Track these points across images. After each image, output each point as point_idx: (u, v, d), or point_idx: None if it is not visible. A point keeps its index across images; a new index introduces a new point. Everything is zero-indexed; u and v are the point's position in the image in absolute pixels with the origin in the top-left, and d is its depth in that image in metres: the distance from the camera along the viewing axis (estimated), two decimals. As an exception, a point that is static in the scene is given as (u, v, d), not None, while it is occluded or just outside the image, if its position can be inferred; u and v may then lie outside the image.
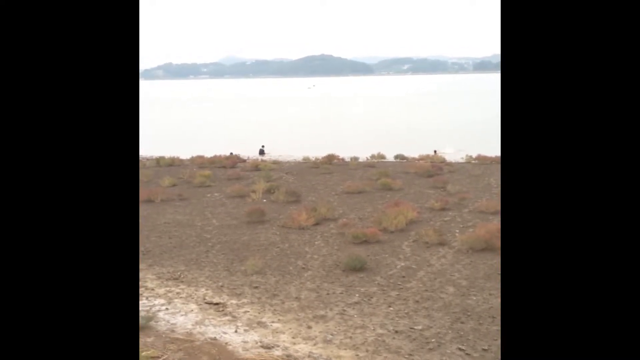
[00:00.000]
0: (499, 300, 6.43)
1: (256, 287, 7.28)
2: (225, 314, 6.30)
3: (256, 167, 18.53)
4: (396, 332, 5.84)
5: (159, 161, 20.35)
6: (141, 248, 9.18)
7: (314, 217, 10.69)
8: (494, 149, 18.38)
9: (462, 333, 5.78)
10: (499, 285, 7.01)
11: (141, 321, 5.50)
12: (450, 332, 5.82)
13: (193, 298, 6.87)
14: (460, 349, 5.42)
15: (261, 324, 6.00)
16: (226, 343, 5.37)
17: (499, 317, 6.05)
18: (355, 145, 24.92)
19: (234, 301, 6.76)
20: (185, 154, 21.77)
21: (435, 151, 22.76)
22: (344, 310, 6.45)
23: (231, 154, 22.34)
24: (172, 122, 48.83)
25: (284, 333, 5.78)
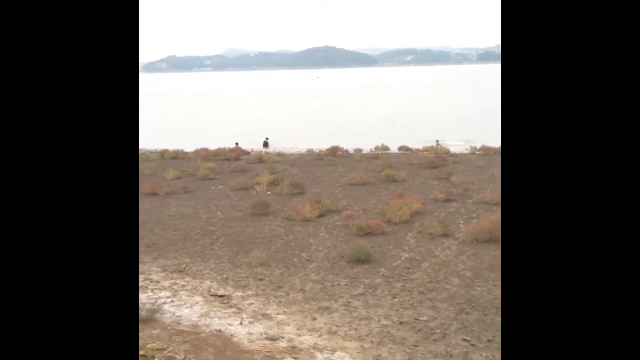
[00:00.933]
0: (504, 291, 6.43)
1: (261, 279, 7.30)
2: (230, 306, 6.32)
3: (260, 159, 18.54)
4: (401, 323, 5.85)
5: (163, 154, 20.39)
6: (146, 241, 9.22)
7: (318, 209, 10.70)
8: (498, 140, 18.34)
9: (466, 324, 5.79)
10: (503, 276, 7.00)
11: (147, 313, 5.53)
12: (455, 323, 5.83)
13: (198, 290, 6.89)
14: (465, 340, 5.43)
15: (266, 316, 6.03)
16: (231, 335, 5.39)
17: (503, 308, 6.05)
18: (359, 136, 24.89)
19: (238, 293, 6.78)
20: (189, 147, 21.80)
21: (437, 141, 22.71)
22: (349, 302, 6.46)
23: (236, 144, 22.37)
24: (176, 115, 48.85)
25: (288, 325, 5.81)
